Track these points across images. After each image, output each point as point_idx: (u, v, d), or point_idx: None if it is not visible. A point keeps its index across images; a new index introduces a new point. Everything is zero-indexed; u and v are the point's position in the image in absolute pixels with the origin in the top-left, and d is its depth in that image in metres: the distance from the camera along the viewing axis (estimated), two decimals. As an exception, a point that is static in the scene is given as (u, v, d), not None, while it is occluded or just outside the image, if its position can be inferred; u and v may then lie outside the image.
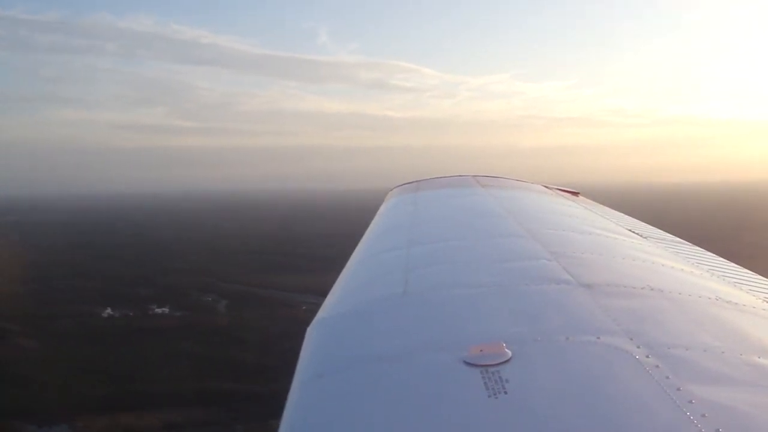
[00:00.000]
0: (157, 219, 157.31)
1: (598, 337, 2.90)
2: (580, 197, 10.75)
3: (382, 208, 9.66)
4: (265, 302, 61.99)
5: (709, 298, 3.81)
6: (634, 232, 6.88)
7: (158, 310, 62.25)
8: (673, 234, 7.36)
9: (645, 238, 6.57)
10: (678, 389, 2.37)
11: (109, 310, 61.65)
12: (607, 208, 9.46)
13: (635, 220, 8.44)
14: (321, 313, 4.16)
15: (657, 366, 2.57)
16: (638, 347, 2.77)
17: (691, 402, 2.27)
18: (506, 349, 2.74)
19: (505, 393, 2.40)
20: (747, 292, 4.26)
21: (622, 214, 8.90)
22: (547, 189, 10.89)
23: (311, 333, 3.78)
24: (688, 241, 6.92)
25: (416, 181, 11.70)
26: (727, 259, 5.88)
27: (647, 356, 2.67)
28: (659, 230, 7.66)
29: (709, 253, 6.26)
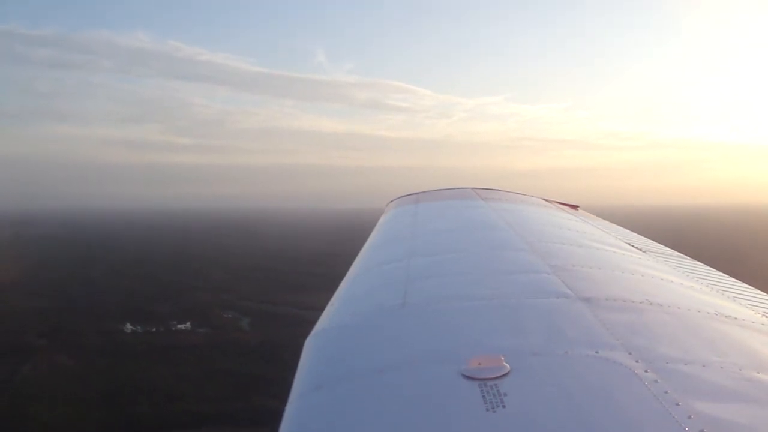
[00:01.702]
0: (159, 235, 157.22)
1: (597, 351, 2.89)
2: (580, 211, 10.76)
3: (381, 219, 9.66)
4: (290, 321, 61.06)
5: (709, 313, 3.81)
6: (633, 246, 6.88)
7: (181, 327, 62.01)
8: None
9: (644, 252, 6.57)
10: (677, 404, 2.36)
11: (129, 326, 61.53)
12: (606, 222, 9.47)
13: (634, 234, 8.44)
14: (320, 324, 4.15)
15: (656, 381, 2.56)
16: (637, 361, 2.76)
17: (690, 417, 2.27)
18: (505, 363, 2.73)
19: (504, 407, 2.39)
20: (746, 307, 4.26)
21: (622, 228, 8.91)
22: (546, 202, 10.90)
23: (310, 344, 3.77)
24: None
25: (416, 193, 11.70)
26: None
27: (646, 371, 2.66)
28: (658, 244, 7.66)
29: (709, 268, 6.26)
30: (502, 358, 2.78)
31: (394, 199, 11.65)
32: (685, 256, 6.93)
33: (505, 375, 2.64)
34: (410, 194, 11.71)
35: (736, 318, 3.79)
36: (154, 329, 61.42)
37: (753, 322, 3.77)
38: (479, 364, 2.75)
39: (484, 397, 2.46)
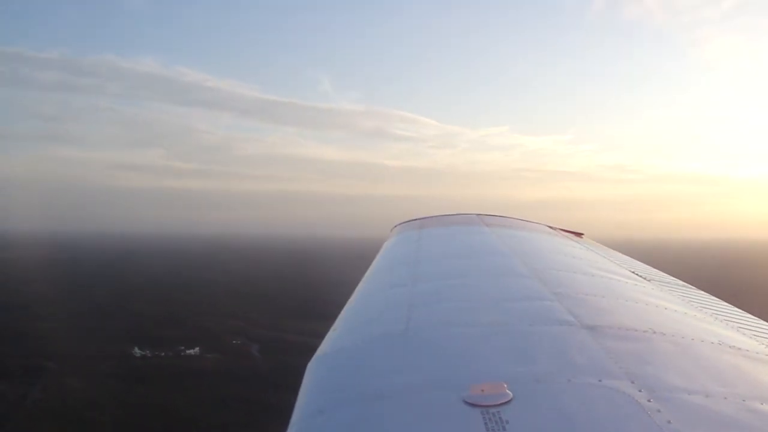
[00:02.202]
0: (163, 259, 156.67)
1: (600, 380, 2.88)
2: (584, 238, 10.75)
3: (386, 244, 9.66)
4: (300, 348, 59.68)
5: (713, 343, 3.79)
6: (637, 274, 6.87)
7: (190, 352, 61.73)
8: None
9: (648, 280, 6.56)
10: None
11: (138, 350, 61.27)
12: (610, 250, 9.45)
13: (639, 262, 8.42)
14: (322, 348, 4.15)
15: (658, 410, 2.55)
16: (640, 390, 2.75)
17: None
18: (507, 390, 2.73)
19: None
20: (750, 338, 4.23)
21: (626, 256, 8.89)
22: (551, 229, 10.89)
23: (312, 368, 3.76)
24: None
25: (420, 218, 11.71)
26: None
27: (649, 400, 2.65)
28: (663, 273, 7.63)
29: (713, 297, 6.23)
30: (505, 385, 2.77)
31: (399, 224, 11.66)
32: (690, 285, 6.90)
33: (508, 402, 2.63)
34: (415, 219, 11.72)
35: (740, 348, 3.77)
36: (164, 354, 61.10)
37: (757, 352, 3.75)
38: (482, 390, 2.74)
39: (486, 424, 2.45)
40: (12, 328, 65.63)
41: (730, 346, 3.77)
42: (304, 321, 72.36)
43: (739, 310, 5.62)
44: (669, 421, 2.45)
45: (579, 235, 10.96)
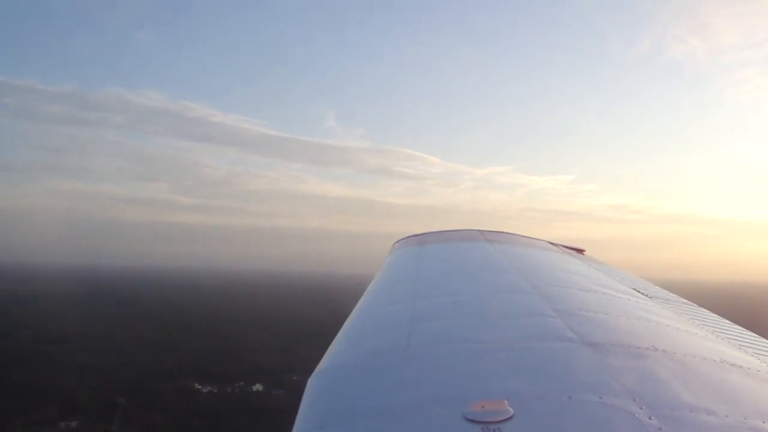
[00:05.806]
0: (181, 293, 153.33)
1: (601, 397, 2.87)
2: (586, 255, 10.74)
3: (386, 261, 9.66)
4: None
5: (714, 360, 3.78)
6: (639, 291, 6.86)
7: (255, 389, 61.19)
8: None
9: (650, 297, 6.55)
10: None
11: (198, 385, 60.44)
12: (612, 267, 9.44)
13: (640, 279, 8.41)
14: (323, 364, 4.14)
15: (660, 428, 2.54)
16: (641, 408, 2.74)
17: None
18: (508, 407, 2.72)
19: None
20: (752, 355, 4.22)
21: (628, 273, 8.88)
22: (553, 246, 10.89)
23: (312, 384, 3.76)
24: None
25: (421, 234, 11.70)
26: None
27: (650, 417, 2.65)
28: (664, 290, 7.63)
29: (715, 315, 6.22)
30: (506, 402, 2.76)
31: (400, 240, 11.65)
32: (692, 303, 6.89)
33: (509, 419, 2.63)
34: (416, 235, 11.70)
35: (741, 366, 3.76)
36: (229, 390, 60.27)
37: (758, 370, 3.74)
38: (483, 407, 2.74)
39: None
40: (69, 361, 64.37)
41: (731, 364, 3.76)
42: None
43: (741, 328, 5.61)
44: None
45: (581, 251, 10.96)
